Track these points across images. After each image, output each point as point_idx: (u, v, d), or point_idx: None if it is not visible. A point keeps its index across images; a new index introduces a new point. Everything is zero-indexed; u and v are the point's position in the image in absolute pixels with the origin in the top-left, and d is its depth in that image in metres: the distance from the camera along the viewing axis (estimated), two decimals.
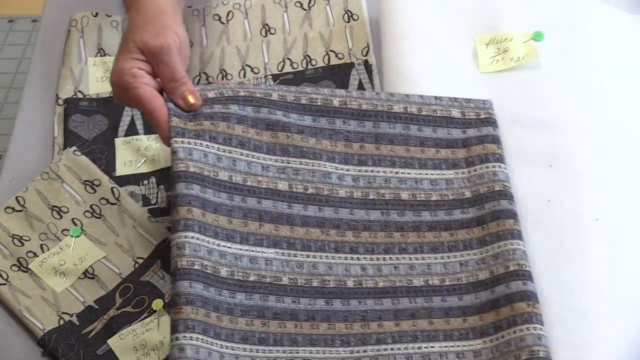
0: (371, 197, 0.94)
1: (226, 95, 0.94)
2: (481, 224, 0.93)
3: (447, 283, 0.90)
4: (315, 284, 0.89)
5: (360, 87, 1.07)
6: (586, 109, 0.99)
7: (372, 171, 0.95)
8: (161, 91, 0.93)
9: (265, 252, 0.89)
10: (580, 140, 0.97)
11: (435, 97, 0.99)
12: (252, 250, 0.89)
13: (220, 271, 0.87)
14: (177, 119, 0.91)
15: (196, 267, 0.85)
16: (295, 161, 0.94)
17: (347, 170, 0.94)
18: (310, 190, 0.93)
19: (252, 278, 0.88)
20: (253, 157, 0.92)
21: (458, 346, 0.87)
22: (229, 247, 0.88)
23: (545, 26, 1.06)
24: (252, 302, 0.87)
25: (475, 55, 1.05)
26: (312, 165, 0.94)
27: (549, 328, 0.87)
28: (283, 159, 0.93)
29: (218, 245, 0.88)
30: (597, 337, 0.86)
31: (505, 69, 1.03)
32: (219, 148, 0.91)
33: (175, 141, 0.90)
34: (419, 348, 0.86)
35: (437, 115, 0.98)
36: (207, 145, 0.91)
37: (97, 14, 1.15)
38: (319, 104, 0.96)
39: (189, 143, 0.90)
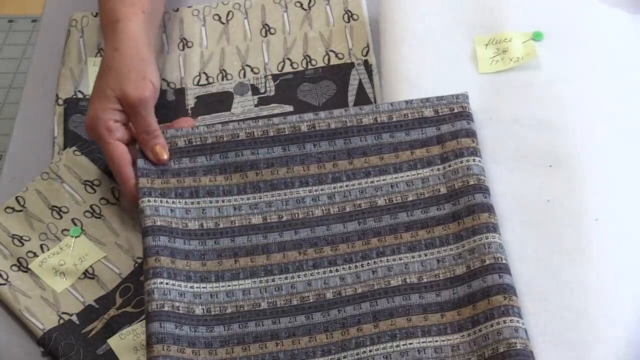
0: (347, 210, 0.94)
1: (194, 144, 0.97)
2: (457, 219, 0.93)
3: (425, 280, 0.90)
4: (294, 302, 0.90)
5: (360, 87, 1.07)
6: (586, 109, 0.99)
7: (347, 186, 0.96)
8: (134, 140, 0.97)
9: (242, 284, 0.91)
10: (580, 140, 0.97)
11: (406, 102, 0.99)
12: (229, 285, 0.91)
13: (195, 310, 0.89)
14: (144, 179, 0.95)
15: (166, 308, 0.88)
16: (267, 195, 0.95)
17: (322, 190, 0.95)
18: (285, 218, 0.94)
19: (229, 310, 0.90)
20: (223, 202, 0.95)
21: (436, 341, 0.87)
22: (204, 287, 0.91)
23: (545, 26, 1.05)
24: (231, 332, 0.89)
25: (474, 56, 1.05)
26: (285, 195, 0.95)
27: (549, 328, 0.87)
28: (255, 195, 0.95)
29: (192, 287, 0.90)
30: (597, 337, 0.86)
31: (504, 70, 1.03)
32: (186, 202, 0.94)
33: (142, 201, 0.94)
34: (397, 346, 0.86)
35: (409, 118, 0.98)
36: (174, 202, 0.94)
37: (97, 14, 1.15)
38: (287, 132, 0.97)
39: (154, 201, 0.93)
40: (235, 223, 0.94)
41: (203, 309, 0.89)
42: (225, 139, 0.97)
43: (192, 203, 0.94)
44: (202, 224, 0.94)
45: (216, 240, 0.93)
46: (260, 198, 0.95)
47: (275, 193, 0.95)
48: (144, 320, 0.90)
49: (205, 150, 0.97)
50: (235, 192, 0.95)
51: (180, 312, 0.89)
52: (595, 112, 0.99)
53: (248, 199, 0.95)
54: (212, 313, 0.89)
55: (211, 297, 0.90)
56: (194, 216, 0.94)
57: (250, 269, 0.92)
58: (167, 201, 0.94)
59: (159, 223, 0.92)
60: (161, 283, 0.89)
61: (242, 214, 0.94)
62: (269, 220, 0.94)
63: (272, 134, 0.97)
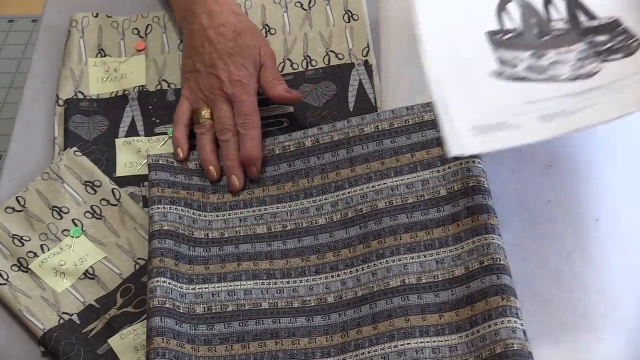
0: (350, 215, 0.95)
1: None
2: (456, 221, 0.92)
3: (424, 281, 0.90)
4: (295, 304, 0.91)
5: (361, 87, 1.07)
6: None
7: (349, 193, 0.96)
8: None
9: (244, 285, 0.92)
10: (580, 140, 0.97)
11: (407, 108, 0.99)
12: (231, 285, 0.92)
13: (196, 309, 0.90)
14: (155, 189, 0.97)
15: (167, 305, 0.89)
16: (272, 207, 0.97)
17: (326, 199, 0.97)
18: (289, 227, 0.95)
19: (230, 308, 0.90)
20: (230, 215, 0.97)
21: (434, 341, 0.87)
22: (205, 288, 0.92)
23: None
24: (231, 329, 0.89)
25: None
26: (290, 207, 0.97)
27: (549, 328, 0.87)
28: (260, 208, 0.97)
29: (193, 289, 0.91)
30: (597, 337, 0.86)
31: None
32: (194, 212, 0.96)
33: (152, 208, 0.95)
34: (395, 346, 0.87)
35: (410, 123, 0.98)
36: (182, 209, 0.96)
37: (97, 14, 1.15)
38: (292, 149, 0.99)
39: (164, 208, 0.95)
40: (240, 233, 0.95)
41: (204, 307, 0.90)
42: None
43: (200, 215, 0.96)
44: (208, 234, 0.95)
45: (220, 247, 0.94)
46: (265, 210, 0.97)
47: (280, 205, 0.97)
48: (145, 320, 0.90)
49: None
50: (241, 206, 0.97)
51: (181, 311, 0.89)
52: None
53: (254, 211, 0.97)
54: (214, 311, 0.90)
55: (212, 296, 0.91)
56: (200, 226, 0.95)
57: (253, 272, 0.93)
58: (176, 208, 0.96)
59: (166, 227, 0.94)
60: (164, 282, 0.90)
61: (247, 224, 0.96)
62: (273, 230, 0.95)
63: (277, 152, 1.00)
